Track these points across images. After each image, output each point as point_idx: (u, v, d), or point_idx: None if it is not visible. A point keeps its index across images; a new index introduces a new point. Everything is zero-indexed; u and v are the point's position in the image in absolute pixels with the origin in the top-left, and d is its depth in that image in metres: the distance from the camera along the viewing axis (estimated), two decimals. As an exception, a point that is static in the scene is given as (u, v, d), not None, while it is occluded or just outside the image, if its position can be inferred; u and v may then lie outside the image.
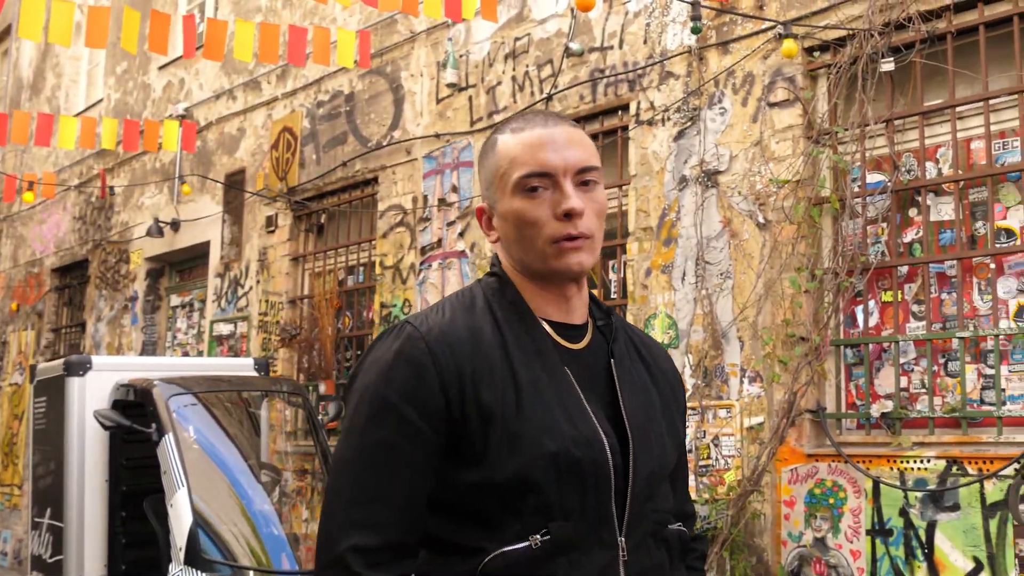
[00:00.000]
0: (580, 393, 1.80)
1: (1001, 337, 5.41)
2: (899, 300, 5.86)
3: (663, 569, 1.86)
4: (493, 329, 1.81)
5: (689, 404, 5.99)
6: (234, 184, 11.13)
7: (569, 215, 1.78)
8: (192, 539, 5.19)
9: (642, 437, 1.83)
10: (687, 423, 2.19)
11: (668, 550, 1.89)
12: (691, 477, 6.24)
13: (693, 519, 2.12)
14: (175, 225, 12.01)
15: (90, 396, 6.37)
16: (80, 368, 6.44)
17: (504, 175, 1.84)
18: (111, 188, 13.43)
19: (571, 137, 1.84)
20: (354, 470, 1.74)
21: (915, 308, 5.83)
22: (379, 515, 1.71)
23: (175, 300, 12.80)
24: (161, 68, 13.06)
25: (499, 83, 8.21)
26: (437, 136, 8.69)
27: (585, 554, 1.74)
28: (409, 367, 1.74)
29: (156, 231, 11.88)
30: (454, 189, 8.43)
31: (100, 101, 14.61)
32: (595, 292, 2.07)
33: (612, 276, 7.34)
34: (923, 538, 5.41)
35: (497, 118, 8.15)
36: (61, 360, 6.70)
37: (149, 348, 12.76)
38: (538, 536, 1.71)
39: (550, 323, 1.87)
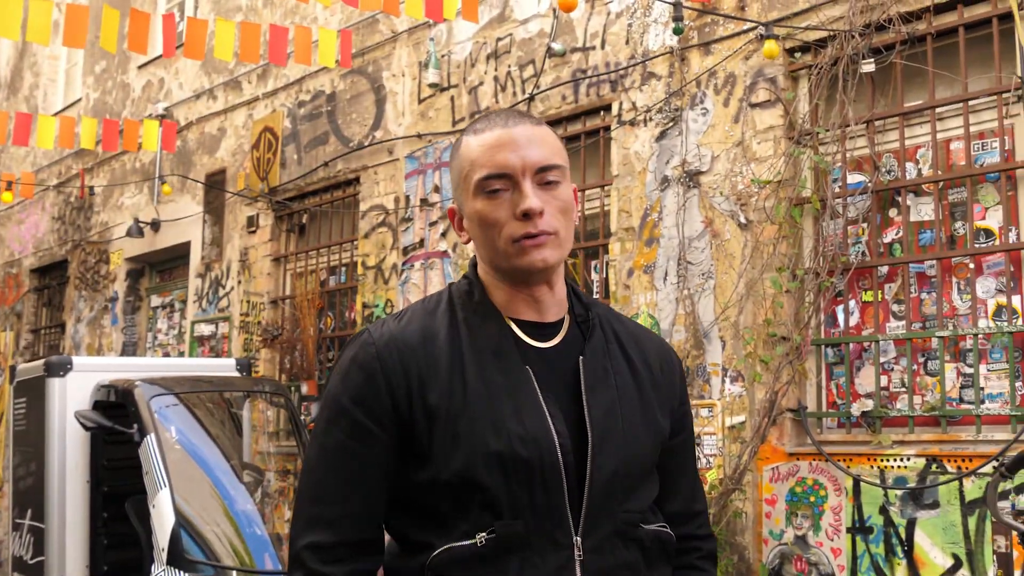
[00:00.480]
0: (539, 392, 1.80)
1: (980, 336, 5.45)
2: (879, 300, 5.89)
3: (634, 570, 1.84)
4: (449, 331, 1.84)
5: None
6: (215, 184, 11.10)
7: (528, 215, 1.78)
8: (175, 539, 5.17)
9: (606, 436, 1.81)
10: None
11: (642, 551, 1.86)
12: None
13: (702, 516, 2.08)
14: (155, 225, 11.96)
15: (71, 397, 6.33)
16: (61, 369, 6.41)
17: (467, 177, 1.85)
18: (90, 188, 13.37)
19: (532, 136, 1.83)
20: (314, 472, 1.83)
21: (895, 308, 5.87)
22: (334, 514, 1.78)
23: (156, 301, 12.76)
24: (140, 67, 13.01)
25: (481, 83, 8.21)
26: (419, 136, 8.69)
27: (538, 554, 1.74)
28: (360, 372, 1.81)
29: (136, 231, 11.83)
30: (436, 189, 8.43)
31: (79, 100, 14.54)
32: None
33: (594, 276, 7.35)
34: (903, 535, 5.45)
35: (479, 118, 8.14)
36: (41, 361, 6.66)
37: (129, 349, 12.71)
38: (483, 534, 1.73)
39: (520, 322, 1.88)
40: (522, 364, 1.82)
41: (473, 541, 1.73)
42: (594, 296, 7.16)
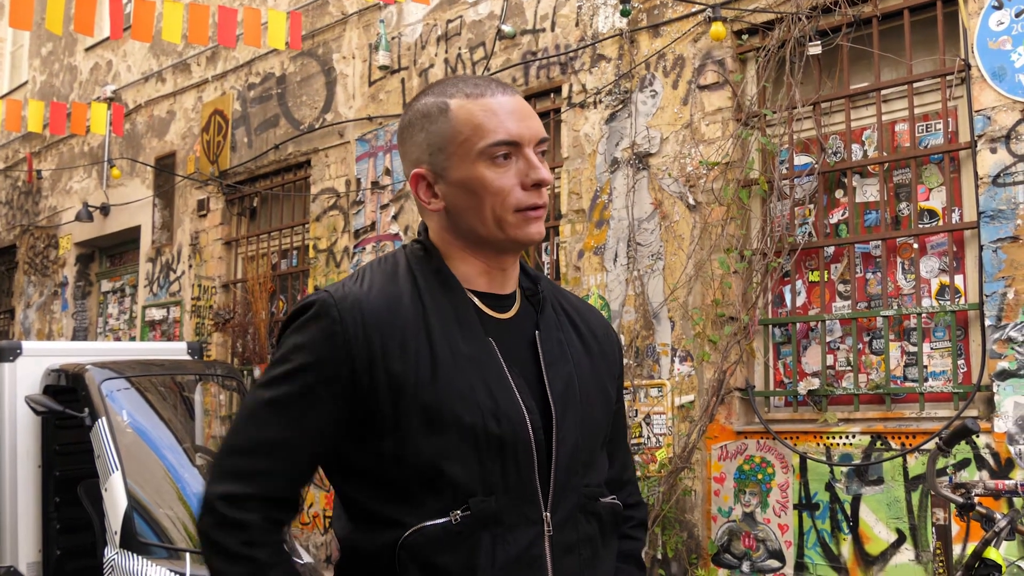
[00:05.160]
0: (504, 365, 1.76)
1: (923, 315, 5.55)
2: (825, 280, 5.98)
3: (593, 543, 1.84)
4: (413, 298, 1.77)
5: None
6: (164, 168, 11.02)
7: (540, 185, 1.77)
8: (127, 522, 5.16)
9: (568, 410, 1.79)
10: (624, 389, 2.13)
11: (600, 524, 1.86)
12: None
13: (632, 485, 2.07)
14: (105, 209, 11.86)
15: (21, 382, 6.29)
16: (10, 353, 6.36)
17: (466, 141, 1.77)
18: (38, 172, 13.22)
19: (527, 108, 1.82)
20: (249, 423, 1.75)
21: (841, 288, 5.96)
22: (257, 468, 1.71)
23: (106, 285, 12.65)
24: (88, 49, 12.86)
25: (431, 65, 8.21)
26: (370, 119, 8.67)
27: (509, 530, 1.71)
28: (321, 333, 1.71)
29: (86, 216, 11.73)
30: (387, 172, 8.42)
31: (25, 83, 14.35)
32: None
33: (545, 258, 7.39)
34: (848, 511, 5.54)
35: (430, 101, 8.14)
36: (-10, 346, 6.61)
37: (80, 334, 12.61)
38: (458, 512, 1.68)
39: (476, 293, 1.84)
40: (485, 335, 1.79)
41: (447, 519, 1.67)
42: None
